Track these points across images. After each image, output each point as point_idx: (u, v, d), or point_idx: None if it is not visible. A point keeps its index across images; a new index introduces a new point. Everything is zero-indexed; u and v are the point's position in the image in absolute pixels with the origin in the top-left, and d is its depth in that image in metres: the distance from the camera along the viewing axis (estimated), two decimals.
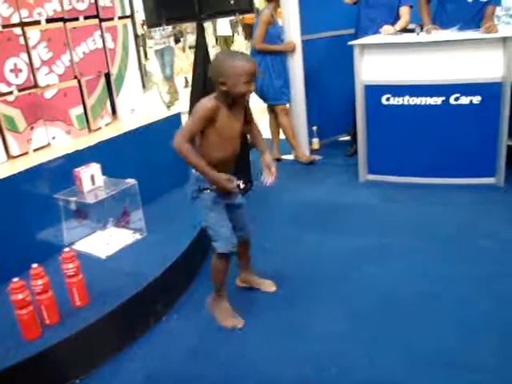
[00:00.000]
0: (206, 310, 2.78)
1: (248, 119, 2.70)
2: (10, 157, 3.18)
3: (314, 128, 5.38)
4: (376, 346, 2.49)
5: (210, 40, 13.20)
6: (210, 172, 2.48)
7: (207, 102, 2.45)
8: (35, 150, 3.30)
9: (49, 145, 3.39)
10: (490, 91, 3.94)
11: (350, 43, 4.29)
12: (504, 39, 3.82)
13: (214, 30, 13.47)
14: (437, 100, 4.10)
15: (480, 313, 2.65)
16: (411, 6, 4.69)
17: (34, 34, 3.22)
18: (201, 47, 5.29)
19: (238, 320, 2.71)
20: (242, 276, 3.03)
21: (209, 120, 2.44)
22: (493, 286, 2.87)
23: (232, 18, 9.69)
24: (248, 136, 2.95)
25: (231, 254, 2.65)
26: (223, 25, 12.31)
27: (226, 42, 12.67)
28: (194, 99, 5.16)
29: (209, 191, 2.58)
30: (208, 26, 16.76)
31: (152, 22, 4.83)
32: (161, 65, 9.12)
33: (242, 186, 2.61)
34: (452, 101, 4.05)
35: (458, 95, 4.03)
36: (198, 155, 2.46)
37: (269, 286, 3.00)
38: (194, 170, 2.56)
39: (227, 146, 2.55)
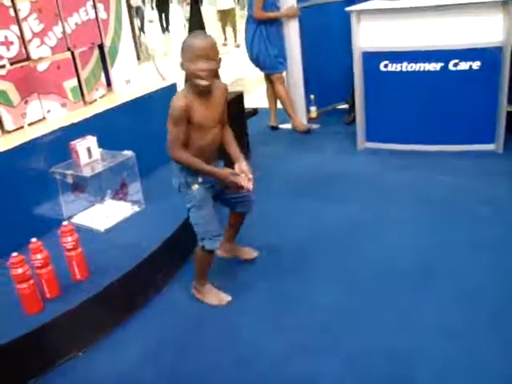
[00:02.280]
0: (194, 296, 2.76)
1: (220, 121, 2.55)
2: (4, 132, 3.14)
3: (312, 96, 5.33)
4: (371, 315, 2.50)
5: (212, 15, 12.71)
6: (217, 171, 2.49)
7: (177, 102, 2.37)
8: (30, 124, 3.26)
9: (44, 118, 3.35)
10: (489, 56, 3.89)
11: (347, 9, 4.22)
12: (503, 3, 3.75)
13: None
14: (435, 66, 4.05)
15: (475, 280, 2.66)
16: None
17: (24, 5, 3.15)
18: (196, 18, 5.23)
19: (224, 295, 2.71)
20: (225, 245, 2.93)
21: (185, 118, 2.38)
22: (489, 252, 2.87)
23: None
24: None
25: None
26: None
27: (229, 16, 11.80)
28: None
29: (197, 186, 2.51)
30: None
31: None
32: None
33: (251, 176, 2.50)
34: (451, 66, 4.01)
35: (457, 61, 3.99)
36: (194, 158, 2.43)
37: (249, 253, 3.00)
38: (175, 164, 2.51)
39: (204, 136, 2.46)
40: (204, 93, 2.41)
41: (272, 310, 2.63)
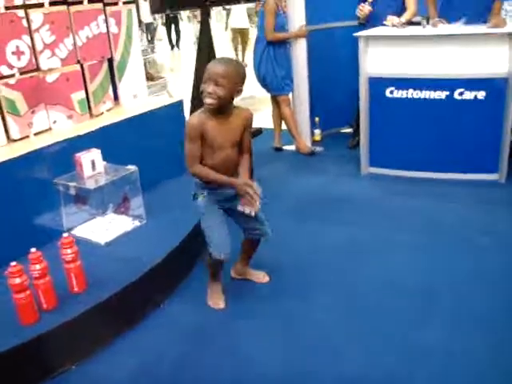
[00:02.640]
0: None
1: (236, 145, 2.61)
2: (10, 140, 3.15)
3: (317, 119, 5.36)
4: (372, 338, 2.49)
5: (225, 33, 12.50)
6: (233, 180, 2.55)
7: (191, 120, 2.52)
8: (36, 134, 3.27)
9: (50, 129, 3.37)
10: (494, 87, 3.92)
11: (355, 34, 4.26)
12: (510, 35, 3.78)
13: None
14: (441, 94, 4.07)
15: (476, 309, 2.64)
16: None
17: (37, 16, 3.19)
18: (205, 35, 5.26)
19: (221, 301, 2.77)
20: (237, 267, 3.02)
21: (200, 136, 2.49)
22: (489, 282, 2.86)
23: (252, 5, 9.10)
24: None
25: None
26: (239, 15, 11.23)
27: (242, 36, 11.43)
28: (197, 86, 5.16)
29: (202, 197, 2.62)
30: (221, 16, 16.33)
31: (156, 7, 4.83)
32: None
33: (259, 190, 2.52)
34: (456, 95, 4.03)
35: (462, 90, 4.01)
36: (212, 171, 2.53)
37: (262, 277, 3.01)
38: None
39: (214, 156, 2.54)
40: (217, 113, 2.49)
41: (273, 327, 2.61)
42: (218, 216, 2.65)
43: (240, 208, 2.54)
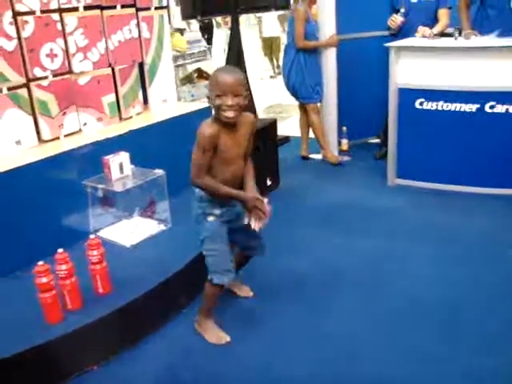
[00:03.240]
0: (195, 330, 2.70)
1: (244, 154, 2.50)
2: (41, 141, 3.21)
3: (344, 128, 5.32)
4: (392, 350, 2.46)
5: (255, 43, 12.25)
6: (242, 194, 2.43)
7: (206, 130, 2.34)
8: (66, 136, 3.32)
9: (80, 131, 3.42)
10: None
11: (386, 45, 4.23)
12: None
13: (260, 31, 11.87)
14: (472, 107, 4.02)
15: (502, 322, 2.60)
16: (450, 8, 4.62)
17: (71, 20, 3.24)
18: (235, 42, 5.30)
19: (224, 335, 2.63)
20: None
21: (213, 146, 2.35)
22: None
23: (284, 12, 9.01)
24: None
25: None
26: (269, 23, 10.94)
27: (273, 43, 11.20)
28: None
29: (212, 218, 2.47)
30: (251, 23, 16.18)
31: (187, 13, 4.86)
32: None
33: (266, 201, 2.42)
34: (487, 109, 3.97)
35: (493, 103, 3.95)
36: (220, 184, 2.39)
37: (246, 292, 2.97)
38: (196, 190, 2.47)
39: (227, 168, 2.42)
40: (229, 125, 2.38)
41: (292, 337, 2.60)
42: (225, 239, 2.51)
43: (246, 221, 2.44)
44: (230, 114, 2.30)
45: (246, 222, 2.45)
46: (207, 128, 2.35)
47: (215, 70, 2.41)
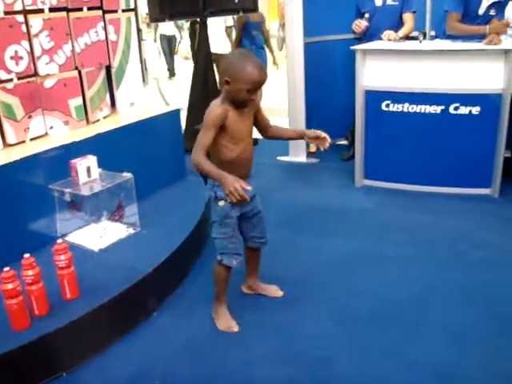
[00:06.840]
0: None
1: (264, 124, 2.66)
2: (6, 145, 3.15)
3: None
4: (364, 351, 2.49)
5: None
6: (223, 175, 2.30)
7: (216, 109, 2.38)
8: (32, 139, 3.27)
9: (46, 134, 3.37)
10: (489, 102, 3.95)
11: (352, 48, 4.29)
12: (506, 51, 3.83)
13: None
14: (436, 108, 4.10)
15: (468, 322, 2.66)
16: (414, 12, 4.70)
17: (36, 22, 3.20)
18: (203, 45, 5.30)
19: (233, 324, 2.68)
20: (248, 282, 2.97)
21: (219, 127, 2.38)
22: (481, 295, 2.88)
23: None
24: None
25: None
26: (217, 37, 10.66)
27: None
28: (193, 99, 5.17)
29: (223, 202, 2.48)
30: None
31: (155, 16, 4.84)
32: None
33: (249, 188, 2.30)
34: (451, 110, 4.06)
35: (457, 105, 4.04)
36: (210, 163, 2.37)
37: (275, 292, 2.98)
38: None
39: (235, 148, 2.46)
40: (240, 106, 2.43)
41: (263, 340, 2.60)
42: (235, 223, 2.58)
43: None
44: (250, 103, 2.42)
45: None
46: (216, 108, 2.40)
47: (240, 58, 2.37)
